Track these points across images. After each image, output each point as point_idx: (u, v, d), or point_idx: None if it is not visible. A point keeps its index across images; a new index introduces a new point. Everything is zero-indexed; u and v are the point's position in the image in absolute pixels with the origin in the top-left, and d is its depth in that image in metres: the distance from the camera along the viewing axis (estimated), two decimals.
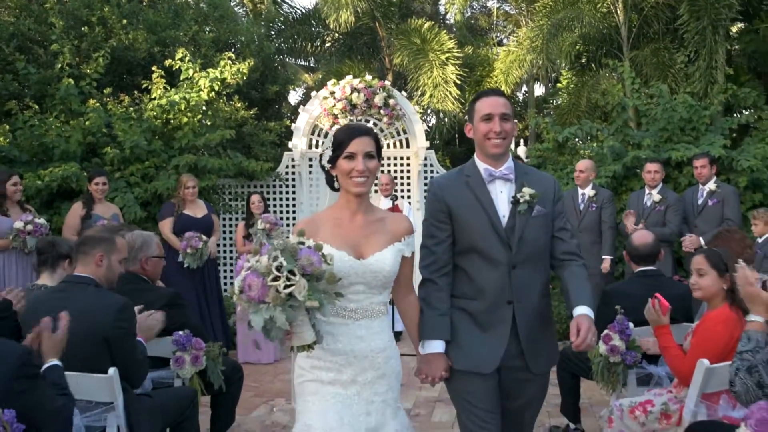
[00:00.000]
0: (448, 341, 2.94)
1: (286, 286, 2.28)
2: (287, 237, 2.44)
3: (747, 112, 10.00)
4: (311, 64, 19.37)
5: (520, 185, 2.95)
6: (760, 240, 6.84)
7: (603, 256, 7.40)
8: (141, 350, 3.62)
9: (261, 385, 6.74)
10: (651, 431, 3.72)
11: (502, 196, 2.96)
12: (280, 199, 10.40)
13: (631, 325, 4.21)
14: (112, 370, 3.27)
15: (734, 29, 12.39)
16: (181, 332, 4.20)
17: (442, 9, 17.49)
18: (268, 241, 2.41)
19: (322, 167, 2.82)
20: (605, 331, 4.17)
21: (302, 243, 2.40)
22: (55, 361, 2.82)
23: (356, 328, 2.71)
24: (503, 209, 2.95)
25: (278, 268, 2.29)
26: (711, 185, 7.21)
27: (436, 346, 2.93)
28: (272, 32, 15.43)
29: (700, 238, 6.82)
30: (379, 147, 2.81)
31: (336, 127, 9.98)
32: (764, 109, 10.07)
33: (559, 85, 14.31)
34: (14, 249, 6.60)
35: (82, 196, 7.45)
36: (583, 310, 2.84)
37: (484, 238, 2.91)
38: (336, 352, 2.68)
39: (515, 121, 3.00)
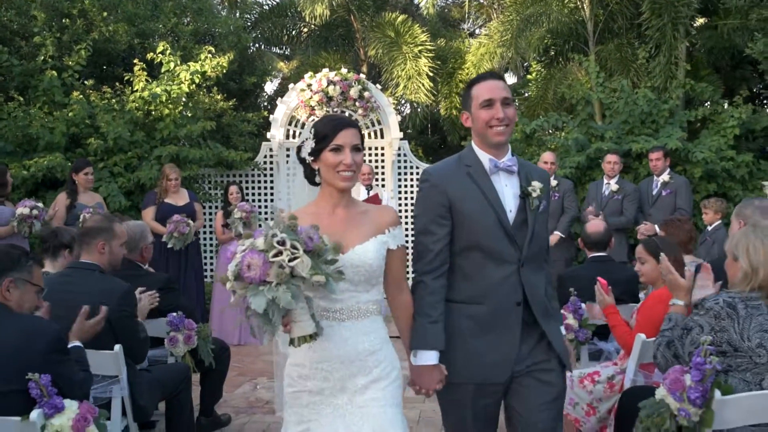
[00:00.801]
0: (441, 351, 2.68)
1: (290, 259, 2.15)
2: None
3: (703, 107, 10.51)
4: (286, 53, 19.61)
5: (525, 178, 2.76)
6: (710, 228, 7.35)
7: (554, 232, 7.82)
8: (142, 329, 4.00)
9: (244, 365, 7.13)
10: (597, 399, 4.19)
11: (507, 189, 2.74)
12: (259, 188, 10.74)
13: (583, 305, 4.67)
14: (117, 347, 3.64)
15: (699, 22, 12.89)
16: (174, 314, 4.59)
17: (416, 0, 17.81)
18: (262, 224, 2.27)
19: (302, 160, 2.64)
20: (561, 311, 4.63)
21: (295, 223, 2.28)
22: (78, 343, 3.21)
23: (342, 330, 2.50)
24: (509, 204, 2.72)
25: (280, 243, 2.16)
26: (665, 176, 7.72)
27: (429, 357, 2.66)
28: (249, 23, 15.66)
29: (655, 226, 7.33)
30: (362, 139, 2.66)
31: (313, 118, 10.37)
32: (720, 103, 10.63)
33: (528, 77, 14.76)
34: (13, 236, 6.86)
35: (66, 186, 7.68)
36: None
37: (489, 235, 2.67)
38: (321, 357, 2.49)
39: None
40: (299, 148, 2.65)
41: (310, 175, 2.64)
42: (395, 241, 2.63)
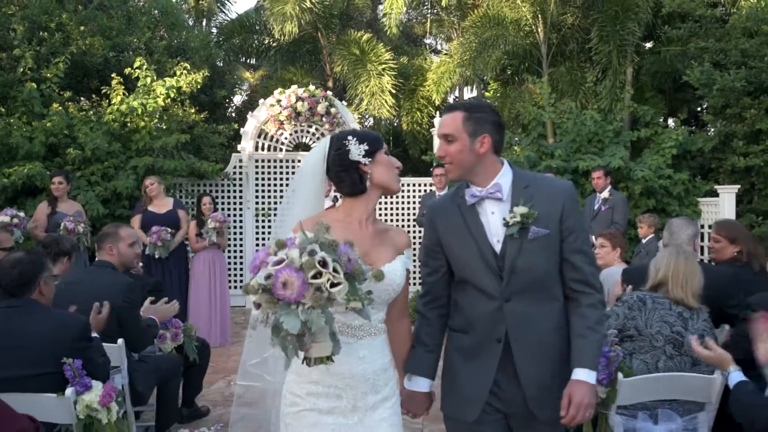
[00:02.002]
0: (432, 379, 2.68)
1: (331, 285, 1.98)
2: (315, 229, 2.10)
3: (645, 128, 11.37)
4: (252, 62, 20.13)
5: (515, 203, 2.54)
6: (644, 240, 8.12)
7: None
8: (150, 323, 4.55)
9: (217, 364, 7.61)
10: None
11: (494, 218, 2.56)
12: (229, 197, 11.25)
13: None
14: (120, 341, 4.18)
15: (648, 45, 13.80)
16: None
17: (380, 17, 18.49)
18: (299, 235, 2.06)
19: (350, 164, 2.46)
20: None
21: (336, 241, 2.08)
22: (95, 334, 3.76)
23: (359, 348, 2.41)
24: (498, 233, 2.54)
25: (322, 263, 1.98)
26: (605, 193, 8.48)
27: (421, 384, 2.65)
28: (220, 39, 16.16)
29: (592, 237, 8.08)
30: None
31: (281, 132, 10.99)
32: (659, 124, 11.51)
33: (486, 94, 15.54)
34: None
35: (48, 195, 8.08)
36: (579, 375, 2.47)
37: (472, 269, 2.56)
38: (336, 374, 2.35)
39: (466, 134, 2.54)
40: (345, 153, 2.46)
41: (359, 180, 2.48)
42: (409, 262, 2.59)
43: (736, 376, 2.89)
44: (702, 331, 3.47)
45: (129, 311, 4.27)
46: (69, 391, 3.15)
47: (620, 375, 3.32)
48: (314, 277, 1.95)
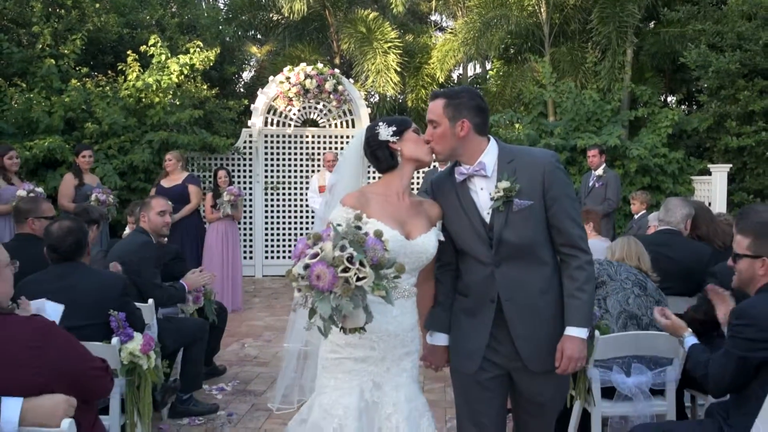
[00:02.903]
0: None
1: (358, 279, 2.29)
2: (347, 222, 2.43)
3: (643, 107, 11.73)
4: (258, 37, 20.42)
5: (500, 179, 2.78)
6: (636, 216, 8.55)
7: None
8: (179, 288, 5.08)
9: (231, 328, 8.08)
10: None
11: (483, 193, 2.81)
12: (239, 171, 11.67)
13: None
14: (150, 301, 4.63)
15: (650, 26, 14.09)
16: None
17: None
18: (332, 227, 2.38)
19: (380, 144, 2.84)
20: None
21: (359, 227, 2.41)
22: None
23: (393, 308, 2.68)
24: (486, 207, 2.80)
25: (349, 259, 2.29)
26: (599, 171, 8.87)
27: (440, 339, 2.95)
28: (230, 15, 16.47)
29: None
30: None
31: (290, 108, 11.38)
32: (657, 104, 11.85)
33: (490, 72, 15.86)
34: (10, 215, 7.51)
35: (73, 168, 8.43)
36: (570, 332, 2.74)
37: (466, 240, 2.84)
38: (373, 330, 2.63)
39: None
40: (375, 135, 2.86)
41: (390, 157, 2.85)
42: (440, 235, 2.88)
43: (690, 340, 3.31)
44: (656, 287, 4.14)
45: (138, 265, 4.82)
46: (114, 340, 3.61)
47: (597, 332, 3.76)
48: (344, 271, 2.28)
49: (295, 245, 2.46)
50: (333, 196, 3.02)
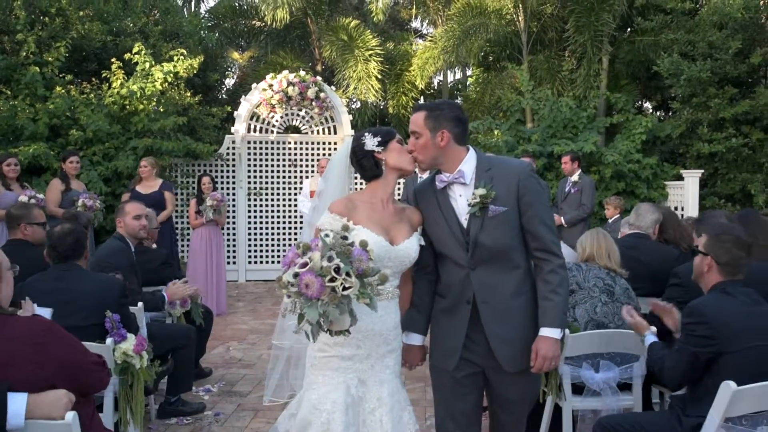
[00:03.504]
0: (424, 335, 3.14)
1: (344, 288, 2.42)
2: (334, 233, 2.55)
3: (618, 114, 12.04)
4: (240, 42, 20.56)
5: (476, 186, 2.94)
6: (610, 221, 8.81)
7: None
8: (159, 296, 5.25)
9: (215, 332, 8.23)
10: None
11: (461, 199, 2.97)
12: (222, 177, 11.81)
13: None
14: (140, 304, 4.79)
15: (625, 35, 14.44)
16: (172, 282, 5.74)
17: (368, 2, 18.93)
18: (321, 239, 2.52)
19: (365, 153, 2.98)
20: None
21: (346, 237, 2.54)
22: None
23: (378, 309, 2.73)
24: (464, 213, 2.95)
25: (336, 270, 2.42)
26: (574, 177, 9.12)
27: (415, 339, 3.12)
28: (212, 22, 16.61)
29: (562, 218, 8.76)
30: None
31: (272, 115, 11.55)
32: (631, 111, 12.17)
33: (469, 79, 16.13)
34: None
35: (60, 173, 8.57)
36: (544, 332, 2.89)
37: (445, 244, 2.99)
38: (359, 329, 2.76)
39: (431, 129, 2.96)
40: (361, 145, 3.00)
41: (374, 165, 2.99)
42: (421, 240, 3.04)
43: (650, 338, 3.56)
44: (625, 288, 4.27)
45: (114, 269, 4.90)
46: (109, 340, 3.78)
47: (567, 331, 3.98)
48: (330, 280, 2.42)
49: (281, 252, 2.68)
50: (321, 201, 3.17)
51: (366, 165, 3.01)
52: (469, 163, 2.98)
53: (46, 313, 3.44)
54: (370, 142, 2.98)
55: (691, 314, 3.14)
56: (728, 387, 2.86)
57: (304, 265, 2.44)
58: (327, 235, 2.53)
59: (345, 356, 2.88)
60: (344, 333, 2.59)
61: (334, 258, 2.43)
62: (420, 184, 3.18)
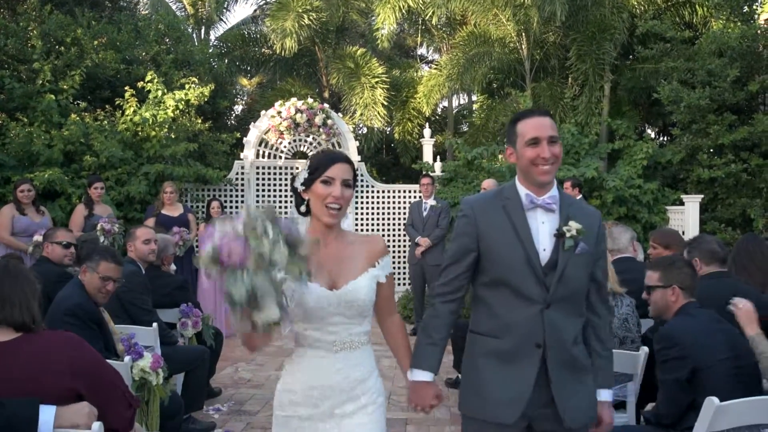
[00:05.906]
0: (436, 373, 2.75)
1: (271, 249, 2.11)
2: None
3: (619, 140, 12.26)
4: (248, 69, 20.99)
5: (565, 217, 2.64)
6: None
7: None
8: (164, 330, 5.43)
9: (224, 352, 8.41)
10: None
11: (543, 227, 2.65)
12: (231, 201, 12.06)
13: None
14: (155, 325, 5.00)
15: (627, 62, 14.71)
16: (185, 305, 5.97)
17: (374, 30, 19.32)
18: (243, 211, 2.20)
19: (294, 189, 2.63)
20: None
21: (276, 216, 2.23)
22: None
23: (335, 361, 2.52)
24: (544, 242, 2.63)
25: (263, 231, 2.13)
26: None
27: (424, 375, 2.71)
28: (222, 50, 17.01)
29: None
30: (355, 176, 2.61)
31: (281, 141, 11.83)
32: (631, 137, 12.38)
33: (474, 105, 16.41)
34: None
35: (84, 199, 8.75)
36: (604, 396, 2.75)
37: (517, 273, 2.61)
38: (313, 386, 2.53)
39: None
40: (293, 178, 2.65)
41: (299, 204, 2.64)
42: (384, 272, 2.64)
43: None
44: (626, 315, 4.35)
45: (126, 294, 5.15)
46: (127, 358, 3.99)
47: None
48: (257, 243, 2.10)
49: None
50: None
51: (297, 202, 2.67)
52: (556, 191, 2.72)
53: None
54: (300, 178, 2.62)
55: (660, 340, 3.33)
56: (711, 403, 3.04)
57: (225, 234, 2.13)
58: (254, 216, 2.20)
59: (303, 416, 2.56)
60: (273, 327, 2.17)
61: (260, 222, 2.14)
62: (479, 198, 2.83)
